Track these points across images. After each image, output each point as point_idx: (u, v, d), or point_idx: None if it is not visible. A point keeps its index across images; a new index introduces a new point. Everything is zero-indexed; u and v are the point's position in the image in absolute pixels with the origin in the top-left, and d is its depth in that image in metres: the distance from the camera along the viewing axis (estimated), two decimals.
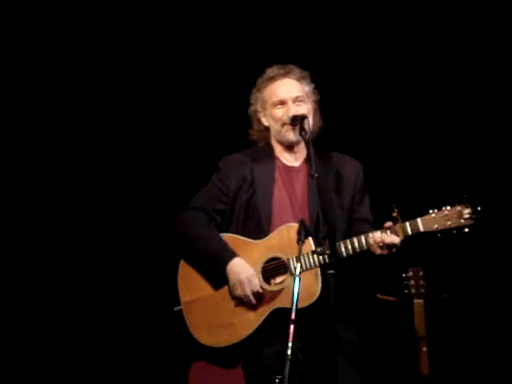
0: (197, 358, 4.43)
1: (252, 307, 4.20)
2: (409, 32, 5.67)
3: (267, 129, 4.40)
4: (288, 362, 3.68)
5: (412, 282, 4.83)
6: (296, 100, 4.30)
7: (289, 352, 3.68)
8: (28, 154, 5.80)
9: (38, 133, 5.80)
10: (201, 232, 4.29)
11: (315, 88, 4.40)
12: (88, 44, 5.79)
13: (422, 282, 4.82)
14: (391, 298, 4.97)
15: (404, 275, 4.85)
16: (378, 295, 4.98)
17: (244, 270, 4.20)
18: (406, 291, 4.83)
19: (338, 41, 5.72)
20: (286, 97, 4.31)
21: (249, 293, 4.17)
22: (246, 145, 4.49)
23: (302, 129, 4.23)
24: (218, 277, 4.24)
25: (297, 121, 4.23)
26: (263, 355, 4.18)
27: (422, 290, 4.81)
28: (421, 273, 4.83)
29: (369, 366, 4.39)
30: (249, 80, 4.50)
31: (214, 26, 5.80)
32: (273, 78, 4.35)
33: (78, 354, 5.73)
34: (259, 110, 4.40)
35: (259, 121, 4.41)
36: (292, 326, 3.72)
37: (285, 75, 4.34)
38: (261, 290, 4.18)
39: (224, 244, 4.26)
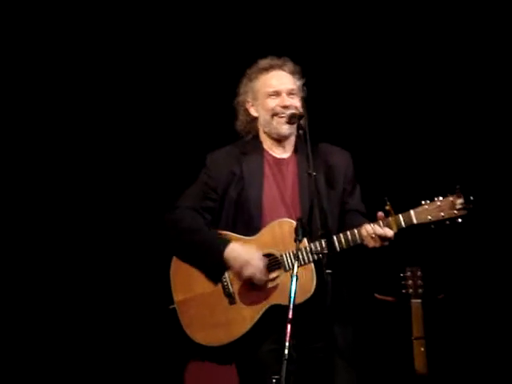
0: (193, 357, 4.41)
1: (246, 304, 4.17)
2: (396, 24, 5.67)
3: (254, 120, 4.37)
4: (285, 362, 3.65)
5: (410, 281, 4.81)
6: (290, 92, 4.29)
7: (286, 352, 3.66)
8: (23, 154, 5.81)
9: (32, 133, 5.80)
10: (193, 225, 4.25)
11: (304, 84, 4.37)
12: (78, 42, 5.79)
13: (419, 281, 4.80)
14: (389, 298, 4.95)
15: (402, 275, 4.83)
16: (376, 295, 4.96)
17: (246, 250, 4.15)
18: (403, 291, 4.81)
19: (323, 32, 5.71)
20: (282, 88, 4.28)
21: (257, 270, 4.11)
22: (234, 139, 4.45)
23: (300, 127, 4.20)
24: (213, 267, 4.19)
25: (295, 118, 4.21)
26: (258, 353, 4.15)
27: (420, 290, 4.80)
28: (419, 273, 4.82)
29: (365, 366, 4.37)
30: (234, 75, 4.47)
31: (201, 20, 5.79)
32: (267, 69, 4.32)
33: (73, 353, 5.73)
34: (248, 100, 4.36)
35: (247, 111, 4.37)
36: (289, 326, 3.69)
37: (280, 67, 4.33)
38: (265, 268, 4.13)
39: (217, 233, 4.22)
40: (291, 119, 4.22)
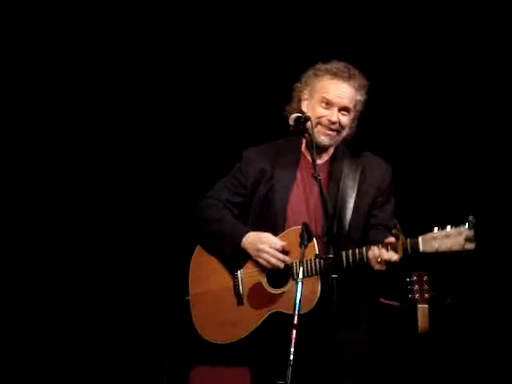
0: (198, 361, 4.42)
1: (253, 307, 4.18)
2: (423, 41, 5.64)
3: (302, 112, 4.27)
4: (290, 368, 3.64)
5: (416, 286, 4.79)
6: (343, 109, 4.22)
7: (291, 357, 3.65)
8: (30, 155, 5.82)
9: (39, 133, 5.82)
10: (213, 214, 4.28)
11: (366, 100, 4.30)
12: (89, 44, 5.81)
13: (426, 286, 4.78)
14: (395, 303, 4.93)
15: (408, 279, 4.81)
16: (382, 300, 4.94)
17: (259, 237, 4.16)
18: (410, 296, 4.80)
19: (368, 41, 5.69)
20: (336, 101, 4.22)
21: (272, 253, 4.11)
22: (269, 138, 4.45)
23: (306, 131, 4.14)
24: (231, 254, 4.20)
25: (299, 122, 4.14)
26: (260, 359, 4.16)
27: (427, 295, 4.78)
28: (425, 277, 4.80)
29: (371, 371, 4.35)
30: (261, 77, 4.45)
31: (224, 24, 5.81)
32: (335, 74, 4.23)
33: (79, 354, 5.78)
34: (305, 92, 4.29)
35: (300, 102, 4.32)
36: (294, 332, 3.68)
37: (346, 78, 4.23)
38: (284, 245, 4.13)
39: (236, 222, 4.24)
40: (296, 122, 4.16)
